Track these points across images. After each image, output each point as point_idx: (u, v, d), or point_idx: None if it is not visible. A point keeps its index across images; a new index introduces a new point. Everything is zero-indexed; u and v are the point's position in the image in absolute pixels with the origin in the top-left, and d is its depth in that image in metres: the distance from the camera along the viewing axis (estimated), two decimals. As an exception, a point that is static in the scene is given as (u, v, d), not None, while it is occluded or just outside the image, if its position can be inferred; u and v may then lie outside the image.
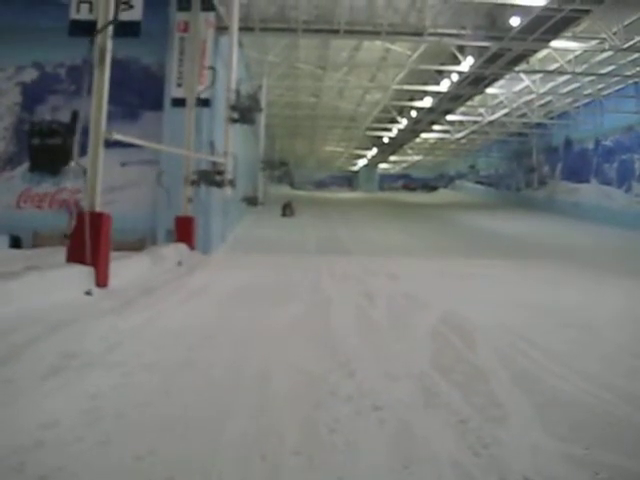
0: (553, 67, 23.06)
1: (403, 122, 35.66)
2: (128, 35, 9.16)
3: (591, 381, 4.82)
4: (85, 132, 8.77)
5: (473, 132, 38.39)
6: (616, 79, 24.75)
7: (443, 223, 27.94)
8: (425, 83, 26.84)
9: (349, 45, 23.57)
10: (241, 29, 15.12)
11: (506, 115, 32.75)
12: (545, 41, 18.34)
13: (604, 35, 18.19)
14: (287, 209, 28.73)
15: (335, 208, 34.33)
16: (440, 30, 18.10)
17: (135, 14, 9.25)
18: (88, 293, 7.74)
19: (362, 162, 59.13)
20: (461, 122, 36.63)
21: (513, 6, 17.07)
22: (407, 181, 64.02)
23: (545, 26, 16.94)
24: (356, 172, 63.01)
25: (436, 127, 38.19)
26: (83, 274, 7.98)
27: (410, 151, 51.06)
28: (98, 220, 8.56)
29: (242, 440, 3.55)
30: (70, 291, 7.34)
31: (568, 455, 3.41)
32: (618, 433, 3.78)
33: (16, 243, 14.43)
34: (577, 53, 21.33)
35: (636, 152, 25.79)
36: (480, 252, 16.59)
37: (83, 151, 8.84)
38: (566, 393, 4.56)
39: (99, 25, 8.59)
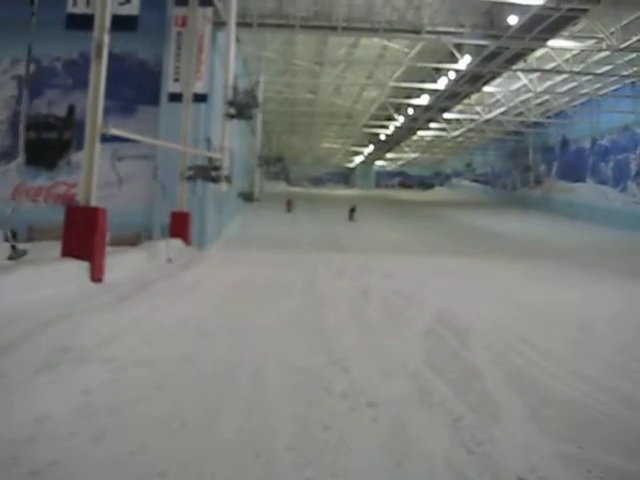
0: (550, 66, 23.07)
1: (400, 119, 35.63)
2: (125, 29, 9.16)
3: (585, 382, 4.81)
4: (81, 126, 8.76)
5: (470, 130, 38.45)
6: (613, 79, 24.79)
7: (439, 221, 27.95)
8: (422, 81, 26.82)
9: (346, 42, 23.57)
10: (239, 25, 15.09)
11: (503, 114, 32.82)
12: (543, 40, 18.37)
13: (601, 35, 18.21)
14: (289, 205, 30.05)
15: (331, 205, 34.26)
16: (438, 28, 18.12)
17: (132, 8, 9.24)
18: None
19: (359, 159, 59.12)
20: (458, 120, 36.68)
21: (511, 5, 17.08)
22: (403, 179, 63.90)
23: (543, 25, 16.98)
24: (352, 169, 62.97)
25: (433, 125, 38.23)
26: (78, 269, 7.97)
27: (407, 149, 51.06)
28: (93, 215, 8.54)
29: (236, 436, 3.54)
30: (65, 285, 7.31)
31: (561, 453, 3.41)
32: (611, 433, 3.78)
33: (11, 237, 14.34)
34: (574, 52, 21.40)
35: (632, 152, 25.88)
36: (475, 250, 16.60)
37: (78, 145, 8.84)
38: (561, 393, 4.55)
39: (96, 19, 8.56)
